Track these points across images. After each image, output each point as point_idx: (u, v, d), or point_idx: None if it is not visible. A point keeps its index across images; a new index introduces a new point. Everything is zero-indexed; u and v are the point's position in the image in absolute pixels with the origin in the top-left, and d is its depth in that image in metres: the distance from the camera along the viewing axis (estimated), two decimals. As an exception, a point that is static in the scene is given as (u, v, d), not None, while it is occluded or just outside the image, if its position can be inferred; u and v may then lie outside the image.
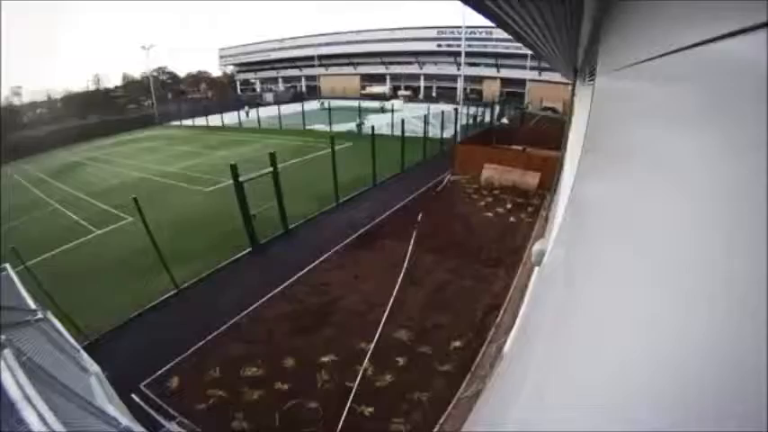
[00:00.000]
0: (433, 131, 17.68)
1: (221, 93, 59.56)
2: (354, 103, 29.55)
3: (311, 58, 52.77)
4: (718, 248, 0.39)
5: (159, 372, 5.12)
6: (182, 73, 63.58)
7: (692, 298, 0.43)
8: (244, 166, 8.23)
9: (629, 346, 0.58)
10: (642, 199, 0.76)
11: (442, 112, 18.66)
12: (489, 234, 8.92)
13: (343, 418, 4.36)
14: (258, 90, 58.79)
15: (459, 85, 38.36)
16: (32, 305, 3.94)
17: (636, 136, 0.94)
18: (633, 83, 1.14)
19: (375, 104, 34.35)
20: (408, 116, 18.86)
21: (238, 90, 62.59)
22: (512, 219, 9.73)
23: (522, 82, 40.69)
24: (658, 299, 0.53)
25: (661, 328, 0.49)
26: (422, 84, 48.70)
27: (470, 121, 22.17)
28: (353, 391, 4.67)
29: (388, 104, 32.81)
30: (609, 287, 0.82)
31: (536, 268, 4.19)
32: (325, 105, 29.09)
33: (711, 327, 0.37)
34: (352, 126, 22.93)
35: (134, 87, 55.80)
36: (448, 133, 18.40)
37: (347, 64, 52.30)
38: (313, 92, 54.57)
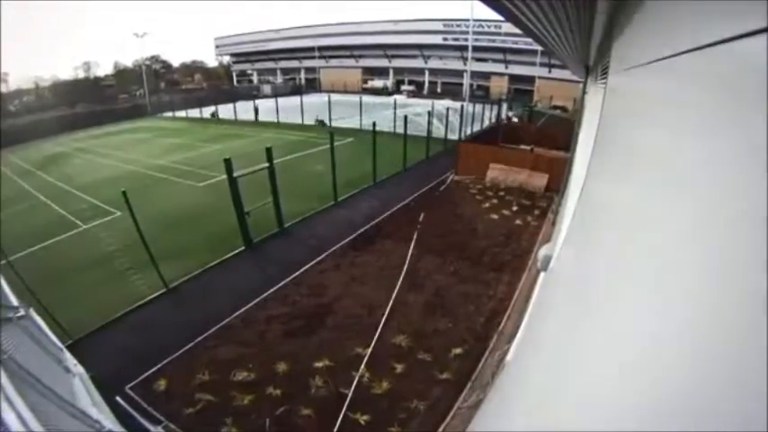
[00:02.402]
0: (438, 129, 17.70)
1: (217, 84, 59.55)
2: (356, 98, 29.50)
3: (311, 49, 52.73)
4: (734, 254, 0.39)
5: (146, 374, 5.12)
6: (176, 62, 63.75)
7: (706, 304, 0.43)
8: (238, 160, 8.22)
9: (640, 356, 0.58)
10: (655, 202, 0.75)
11: (447, 109, 18.65)
12: (493, 237, 8.92)
13: (337, 425, 4.36)
14: (255, 82, 58.78)
15: (466, 80, 38.33)
16: (14, 302, 3.93)
17: (649, 137, 0.94)
18: (646, 82, 1.14)
19: (380, 100, 34.34)
20: (411, 112, 18.83)
21: (235, 81, 62.59)
22: (517, 221, 9.74)
23: (530, 79, 40.69)
24: (671, 306, 0.53)
25: (674, 336, 0.49)
26: (426, 79, 48.69)
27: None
28: (349, 397, 4.68)
29: (399, 97, 32.71)
30: (619, 295, 0.82)
31: (542, 274, 4.20)
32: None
33: (725, 332, 0.37)
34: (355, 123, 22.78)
35: (125, 76, 55.76)
36: (452, 131, 18.40)
37: (348, 56, 52.27)
38: (312, 85, 54.57)
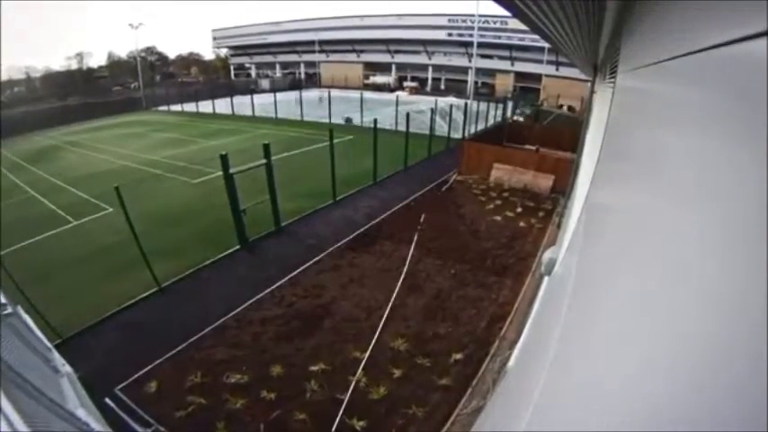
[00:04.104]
0: (441, 127, 17.70)
1: (214, 77, 59.56)
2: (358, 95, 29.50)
3: (311, 43, 52.71)
4: (739, 257, 0.39)
5: (136, 375, 5.12)
6: (172, 54, 63.83)
7: (712, 309, 0.43)
8: (235, 157, 8.22)
9: (645, 362, 0.58)
10: (661, 206, 0.76)
11: (451, 107, 18.66)
12: (496, 239, 8.92)
13: (333, 431, 4.36)
14: (254, 76, 58.76)
15: (470, 78, 38.35)
16: (2, 299, 3.93)
17: (657, 139, 0.95)
18: (655, 83, 1.14)
19: (381, 96, 34.38)
20: (413, 109, 18.84)
21: (232, 75, 62.58)
22: (521, 223, 9.74)
23: (537, 77, 40.68)
24: (676, 311, 0.53)
25: (679, 341, 0.49)
26: (429, 75, 48.70)
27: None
28: (345, 402, 4.68)
29: (401, 94, 32.72)
30: (624, 300, 0.82)
31: (546, 278, 4.20)
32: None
33: (730, 336, 0.37)
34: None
35: (120, 68, 55.83)
36: (455, 130, 18.40)
37: (350, 51, 52.25)
38: (312, 80, 54.56)
